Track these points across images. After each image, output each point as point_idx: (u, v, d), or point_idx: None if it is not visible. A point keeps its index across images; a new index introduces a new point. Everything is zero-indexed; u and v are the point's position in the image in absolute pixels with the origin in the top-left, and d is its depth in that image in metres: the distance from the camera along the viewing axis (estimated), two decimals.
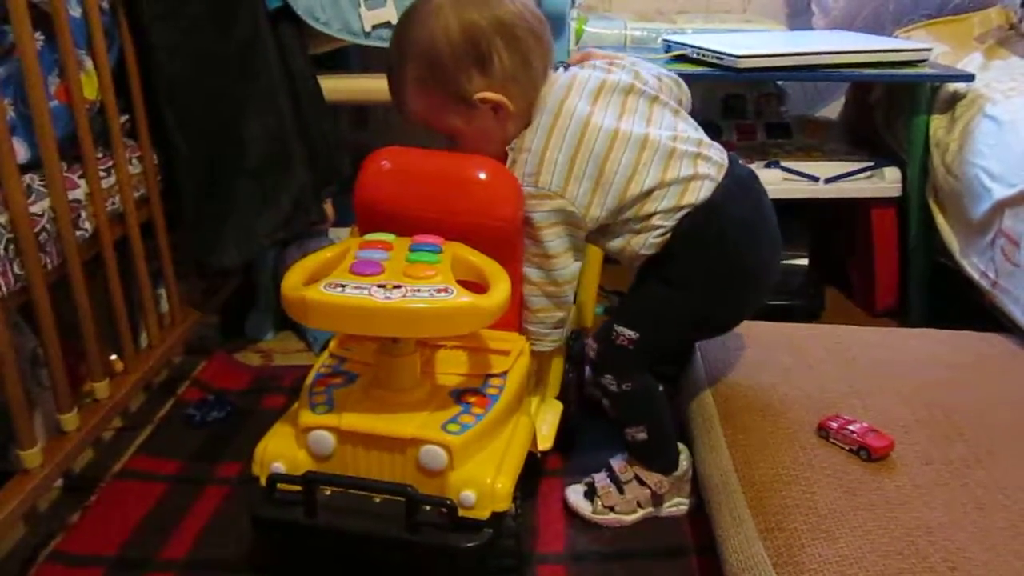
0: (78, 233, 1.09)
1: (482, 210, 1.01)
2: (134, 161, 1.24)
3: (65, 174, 1.07)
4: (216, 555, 1.06)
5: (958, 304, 1.53)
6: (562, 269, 1.05)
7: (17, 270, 0.96)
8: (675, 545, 1.08)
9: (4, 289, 0.94)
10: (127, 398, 1.23)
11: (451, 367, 1.05)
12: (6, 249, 0.94)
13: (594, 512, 1.11)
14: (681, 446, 1.14)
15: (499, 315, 0.91)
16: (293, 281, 0.92)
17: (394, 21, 1.43)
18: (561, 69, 1.09)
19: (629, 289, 1.14)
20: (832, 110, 2.11)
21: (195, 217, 1.33)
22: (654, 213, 1.02)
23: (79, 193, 1.10)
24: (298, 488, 0.92)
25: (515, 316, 1.08)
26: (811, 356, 1.20)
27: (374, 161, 1.06)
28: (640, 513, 1.11)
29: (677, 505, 1.13)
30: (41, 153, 1.02)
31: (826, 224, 1.84)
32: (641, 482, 1.10)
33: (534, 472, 1.15)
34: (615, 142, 1.01)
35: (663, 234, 1.02)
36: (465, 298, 0.89)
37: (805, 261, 1.77)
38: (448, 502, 0.90)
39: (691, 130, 1.06)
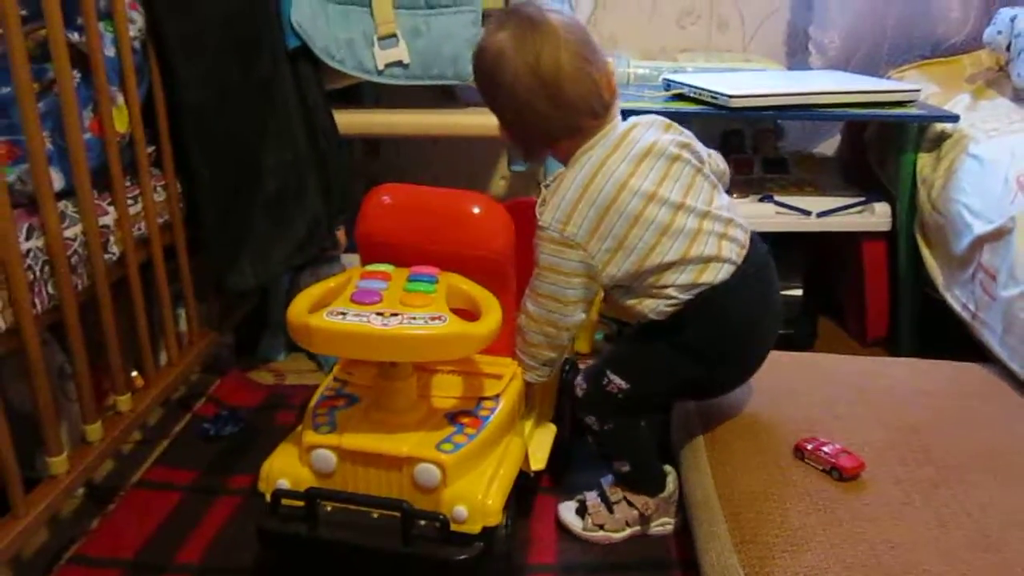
0: (106, 256, 1.16)
1: (476, 242, 1.07)
2: (159, 189, 1.32)
3: (96, 201, 1.14)
4: (228, 561, 1.13)
5: (949, 335, 1.57)
6: (566, 317, 1.07)
7: (51, 290, 1.04)
8: (660, 560, 1.14)
9: (39, 307, 1.02)
10: (147, 412, 1.30)
11: (446, 390, 1.10)
12: (41, 270, 1.02)
13: (584, 529, 1.17)
14: (668, 468, 1.20)
15: (490, 341, 0.97)
16: (298, 308, 0.97)
17: (405, 60, 1.51)
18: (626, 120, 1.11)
19: (627, 337, 1.18)
20: (829, 146, 2.18)
21: (214, 242, 1.41)
22: (671, 285, 1.04)
23: (108, 219, 1.17)
24: (301, 503, 0.97)
25: (508, 342, 1.12)
26: (795, 382, 1.26)
27: (374, 196, 1.12)
28: (628, 531, 1.17)
29: (663, 524, 1.18)
30: (75, 182, 1.09)
31: (821, 256, 1.91)
32: (630, 503, 1.16)
33: (528, 491, 1.20)
34: (648, 205, 1.02)
35: (675, 305, 1.05)
36: (457, 325, 0.94)
37: (800, 292, 1.83)
38: (441, 517, 0.95)
39: (724, 208, 1.08)
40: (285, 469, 1.01)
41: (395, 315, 0.94)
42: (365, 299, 0.97)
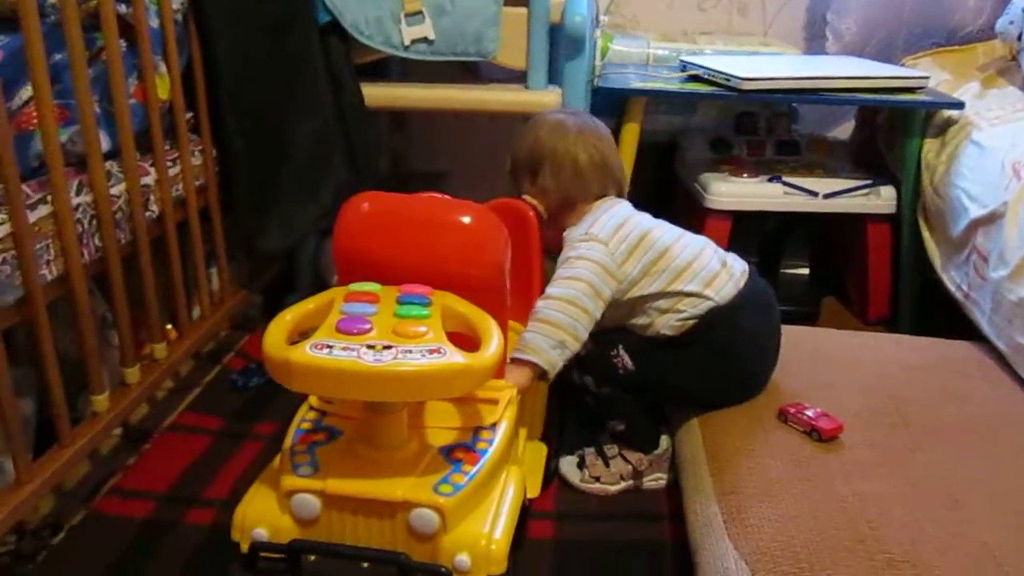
0: (147, 214, 1.25)
1: (467, 257, 0.98)
2: (196, 154, 1.41)
3: (138, 163, 1.23)
4: None
5: (949, 317, 1.60)
6: (585, 298, 1.13)
7: (97, 242, 1.14)
8: (652, 511, 1.22)
9: (86, 257, 1.11)
10: (180, 361, 1.40)
11: (439, 420, 1.00)
12: (89, 224, 1.12)
13: (582, 481, 1.25)
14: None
15: (493, 373, 0.87)
16: (275, 339, 0.86)
17: (431, 37, 1.58)
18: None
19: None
20: (844, 131, 2.22)
21: (246, 206, 1.50)
22: (680, 293, 1.17)
23: (149, 180, 1.26)
24: (282, 556, 0.88)
25: (503, 364, 1.04)
26: (786, 354, 1.32)
27: (354, 206, 1.02)
28: (622, 485, 1.25)
29: (656, 479, 1.26)
30: (120, 144, 1.18)
31: (829, 237, 1.96)
32: (624, 458, 1.25)
33: (522, 518, 1.05)
34: (653, 230, 1.21)
35: (685, 319, 1.17)
36: (458, 358, 0.84)
37: (806, 271, 1.90)
38: (443, 570, 0.85)
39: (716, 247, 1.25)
40: (262, 516, 0.89)
41: (388, 348, 0.84)
42: (353, 328, 0.86)
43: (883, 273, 1.79)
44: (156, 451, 1.33)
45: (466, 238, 0.98)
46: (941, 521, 0.95)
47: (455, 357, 0.84)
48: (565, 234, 1.23)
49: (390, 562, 0.86)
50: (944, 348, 1.41)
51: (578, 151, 1.24)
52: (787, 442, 1.10)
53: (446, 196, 1.06)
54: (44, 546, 1.12)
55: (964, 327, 1.51)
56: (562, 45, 1.63)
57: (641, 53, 2.03)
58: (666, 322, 1.18)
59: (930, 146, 1.69)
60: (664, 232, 1.22)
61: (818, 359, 1.33)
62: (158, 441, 1.36)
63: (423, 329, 0.88)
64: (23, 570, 1.08)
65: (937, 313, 1.68)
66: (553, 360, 1.12)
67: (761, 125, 2.01)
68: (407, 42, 1.58)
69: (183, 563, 1.09)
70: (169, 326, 1.40)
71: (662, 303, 1.18)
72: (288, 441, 0.97)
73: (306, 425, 1.00)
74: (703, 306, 1.17)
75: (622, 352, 1.19)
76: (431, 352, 0.84)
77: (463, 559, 0.86)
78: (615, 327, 1.21)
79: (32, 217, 1.01)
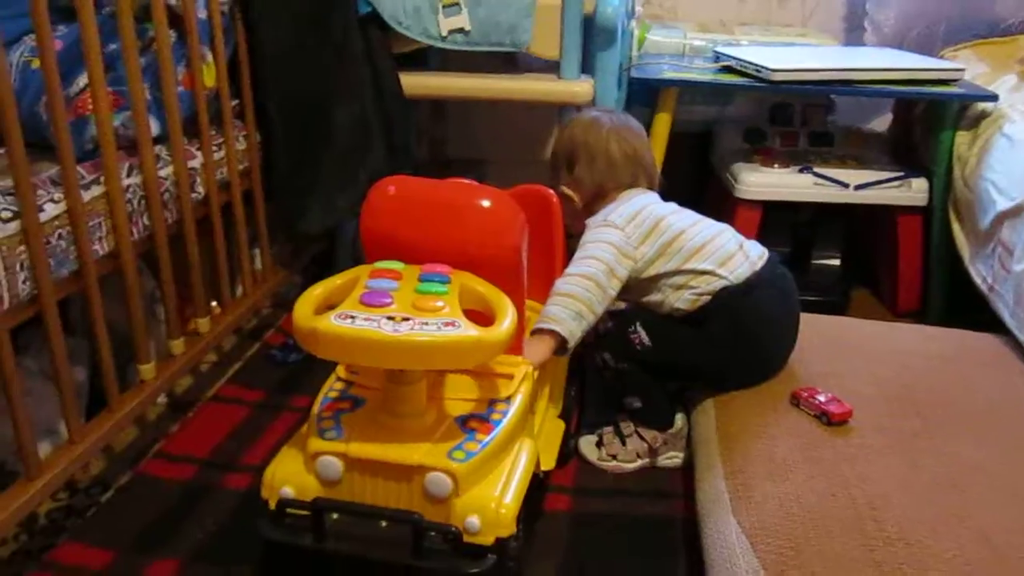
0: (193, 196, 1.32)
1: (486, 239, 1.03)
2: (240, 139, 1.48)
3: (185, 147, 1.30)
4: None
5: (982, 310, 1.58)
6: (600, 275, 1.19)
7: (146, 221, 1.21)
8: (666, 489, 1.26)
9: (135, 235, 1.19)
10: (223, 336, 1.47)
11: (456, 392, 1.06)
12: (139, 204, 1.19)
13: (599, 459, 1.30)
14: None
15: (505, 349, 0.93)
16: (304, 310, 0.93)
17: (467, 28, 1.63)
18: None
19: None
20: (883, 123, 2.22)
21: (287, 189, 1.56)
22: (694, 271, 1.22)
23: (195, 163, 1.33)
24: (307, 513, 0.94)
25: (519, 341, 1.10)
26: (805, 340, 1.35)
27: (380, 189, 1.07)
28: (639, 463, 1.29)
29: (672, 458, 1.30)
30: (168, 129, 1.25)
31: (862, 228, 1.97)
32: (640, 436, 1.29)
33: (538, 491, 1.16)
34: (668, 216, 1.27)
35: (698, 295, 1.22)
36: (472, 332, 0.89)
37: (837, 262, 1.91)
38: (453, 529, 0.91)
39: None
40: (289, 476, 0.97)
41: (407, 320, 0.90)
42: (375, 301, 0.92)
43: (913, 265, 1.80)
44: (198, 419, 1.41)
45: (485, 221, 1.03)
46: (941, 504, 0.98)
47: (469, 330, 0.90)
48: (587, 221, 1.29)
49: (405, 521, 0.92)
50: (965, 339, 1.42)
51: (610, 143, 1.33)
52: (797, 425, 1.13)
53: (472, 182, 1.11)
54: (93, 503, 1.20)
55: (994, 320, 1.51)
56: (595, 35, 1.67)
57: (678, 43, 2.05)
58: (679, 297, 1.22)
59: (963, 138, 1.69)
60: (680, 218, 1.27)
61: (837, 346, 1.35)
62: (201, 410, 1.44)
63: (441, 304, 0.93)
64: (74, 524, 1.16)
65: (969, 306, 1.68)
66: (572, 329, 1.16)
67: (795, 116, 2.02)
68: (444, 32, 1.63)
69: (221, 522, 1.17)
70: (213, 302, 1.48)
71: (676, 279, 1.23)
72: (316, 408, 1.03)
73: (333, 394, 1.06)
74: (716, 284, 1.21)
75: (639, 328, 1.24)
76: (447, 325, 0.90)
77: (473, 521, 0.91)
78: (633, 305, 1.27)
79: (86, 197, 1.08)
